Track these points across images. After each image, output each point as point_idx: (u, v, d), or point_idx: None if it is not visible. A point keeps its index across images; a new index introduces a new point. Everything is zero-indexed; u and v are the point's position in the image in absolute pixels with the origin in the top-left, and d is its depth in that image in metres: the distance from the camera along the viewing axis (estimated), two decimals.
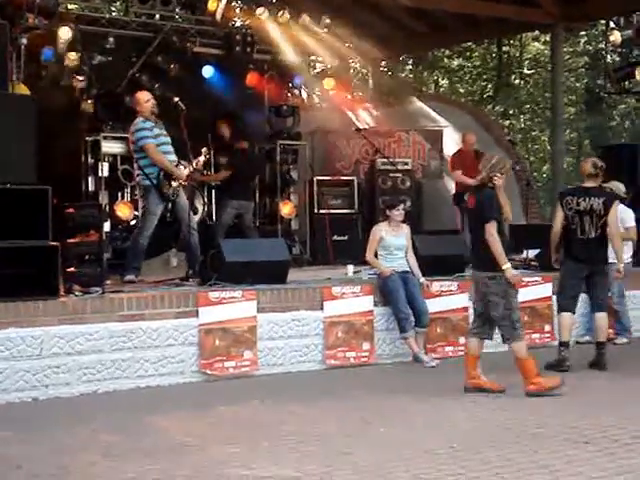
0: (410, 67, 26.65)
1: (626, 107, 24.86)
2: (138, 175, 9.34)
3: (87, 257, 8.05)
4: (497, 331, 7.37)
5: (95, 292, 7.81)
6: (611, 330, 9.32)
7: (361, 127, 14.33)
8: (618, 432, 5.86)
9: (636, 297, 10.38)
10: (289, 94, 14.14)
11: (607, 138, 23.36)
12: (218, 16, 12.59)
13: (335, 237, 12.76)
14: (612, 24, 15.14)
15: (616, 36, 13.73)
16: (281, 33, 13.09)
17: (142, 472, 5.16)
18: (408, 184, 13.22)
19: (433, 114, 15.69)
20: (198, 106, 11.79)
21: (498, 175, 7.18)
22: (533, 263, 10.44)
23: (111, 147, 11.35)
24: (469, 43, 23.18)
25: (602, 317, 8.36)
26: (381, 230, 8.96)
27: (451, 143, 14.22)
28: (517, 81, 27.10)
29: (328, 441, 5.79)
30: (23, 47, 10.60)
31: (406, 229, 9.07)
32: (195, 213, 10.89)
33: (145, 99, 9.30)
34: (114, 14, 13.64)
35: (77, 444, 5.81)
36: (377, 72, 19.16)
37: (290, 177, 13.07)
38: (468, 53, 25.97)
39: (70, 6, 12.10)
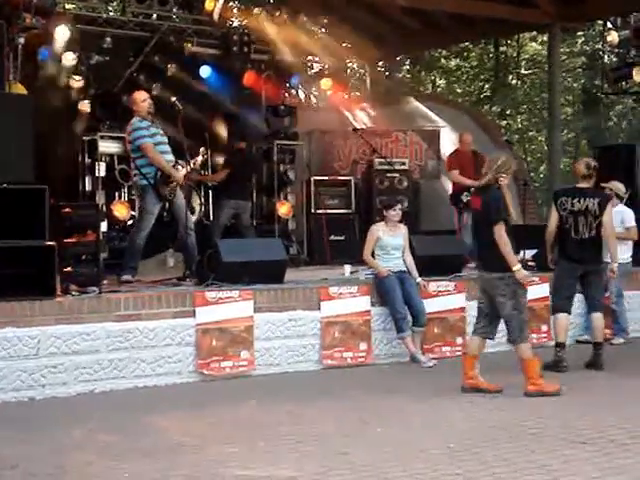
0: (407, 67, 26.65)
1: (623, 107, 24.88)
2: (135, 175, 9.33)
3: (84, 257, 8.05)
4: (501, 326, 7.35)
5: (92, 292, 7.80)
6: (608, 330, 9.32)
7: (358, 127, 14.34)
8: (616, 432, 5.86)
9: (635, 297, 10.37)
10: (286, 94, 14.16)
11: (604, 138, 23.36)
12: (215, 16, 12.59)
13: (332, 237, 12.77)
14: (609, 24, 15.16)
15: (613, 36, 13.73)
16: (278, 33, 13.09)
17: (139, 472, 5.16)
18: (405, 184, 13.23)
19: (430, 114, 15.70)
20: (195, 106, 11.79)
21: (504, 176, 7.18)
22: (530, 263, 10.44)
23: (108, 147, 11.35)
24: (466, 43, 23.20)
25: (598, 317, 8.36)
26: (378, 230, 8.96)
27: (448, 143, 14.23)
28: (514, 81, 27.12)
29: (325, 441, 5.79)
30: (20, 47, 10.60)
31: (403, 229, 9.07)
32: (192, 213, 10.89)
33: (142, 99, 9.29)
34: (111, 14, 13.65)
35: (74, 444, 5.80)
36: (374, 72, 19.16)
37: (287, 177, 13.08)
38: (465, 53, 25.99)
39: (67, 6, 12.08)
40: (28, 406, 7.01)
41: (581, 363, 8.29)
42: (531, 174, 23.71)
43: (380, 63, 21.10)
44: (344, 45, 14.75)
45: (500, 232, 7.01)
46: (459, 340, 9.16)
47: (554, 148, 15.69)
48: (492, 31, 17.53)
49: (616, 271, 8.50)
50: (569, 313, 8.31)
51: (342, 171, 14.20)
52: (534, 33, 23.25)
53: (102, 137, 11.29)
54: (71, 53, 11.27)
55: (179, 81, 12.52)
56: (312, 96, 18.40)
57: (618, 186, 9.93)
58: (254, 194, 12.60)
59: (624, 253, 9.73)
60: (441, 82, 27.55)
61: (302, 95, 16.64)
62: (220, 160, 12.50)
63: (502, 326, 9.38)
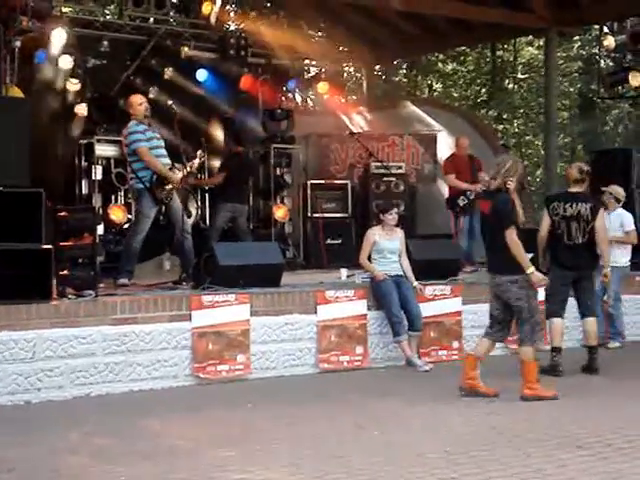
0: (404, 71, 26.68)
1: (619, 112, 24.89)
2: (131, 178, 9.32)
3: (80, 260, 8.04)
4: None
5: (88, 295, 7.79)
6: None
7: (355, 131, 14.34)
8: (612, 436, 5.86)
9: (632, 301, 10.37)
10: (283, 98, 14.18)
11: (600, 143, 23.37)
12: (212, 19, 12.61)
13: (329, 241, 12.77)
14: (606, 29, 15.17)
15: (610, 41, 13.75)
16: (275, 37, 13.11)
17: (135, 476, 5.15)
18: (402, 188, 13.25)
19: (427, 118, 15.70)
20: (192, 109, 11.81)
21: (512, 179, 7.19)
22: None
23: (105, 150, 11.35)
24: (463, 47, 23.21)
25: (592, 322, 8.37)
26: (375, 234, 8.96)
27: (445, 147, 14.23)
28: (511, 86, 27.14)
29: (322, 445, 5.79)
30: (17, 50, 10.60)
31: (400, 233, 9.07)
32: (189, 216, 10.90)
33: (138, 102, 9.29)
34: (108, 17, 13.62)
35: (70, 447, 5.79)
36: (371, 76, 19.17)
37: (284, 181, 13.09)
38: (462, 57, 25.99)
39: (64, 9, 12.10)
40: (24, 409, 7.00)
41: (577, 367, 8.30)
42: (527, 178, 23.70)
43: (377, 67, 21.10)
44: (341, 49, 14.76)
45: (512, 236, 7.04)
46: (455, 344, 9.17)
47: (550, 152, 15.69)
48: (489, 35, 17.53)
49: (609, 275, 8.52)
50: (562, 317, 8.32)
51: (339, 175, 14.19)
52: (530, 38, 23.26)
53: (99, 140, 11.30)
54: (68, 56, 11.27)
55: (176, 84, 12.53)
56: (309, 100, 18.43)
57: (618, 190, 9.94)
58: (250, 198, 12.60)
59: (623, 257, 9.75)
60: (438, 86, 27.56)
61: (299, 99, 16.68)
62: (216, 163, 12.50)
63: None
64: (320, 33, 13.76)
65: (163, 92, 11.93)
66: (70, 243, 8.05)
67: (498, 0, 14.39)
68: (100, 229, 10.41)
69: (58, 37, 11.02)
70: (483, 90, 27.00)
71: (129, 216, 10.83)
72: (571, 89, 26.24)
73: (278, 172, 13.04)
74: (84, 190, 11.36)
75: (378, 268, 8.82)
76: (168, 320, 7.84)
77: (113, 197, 11.38)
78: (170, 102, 9.55)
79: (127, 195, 11.06)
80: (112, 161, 11.35)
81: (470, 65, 26.66)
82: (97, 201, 11.17)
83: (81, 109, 11.64)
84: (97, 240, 8.72)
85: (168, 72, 12.64)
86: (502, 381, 7.40)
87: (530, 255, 10.08)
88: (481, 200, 7.56)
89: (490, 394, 7.15)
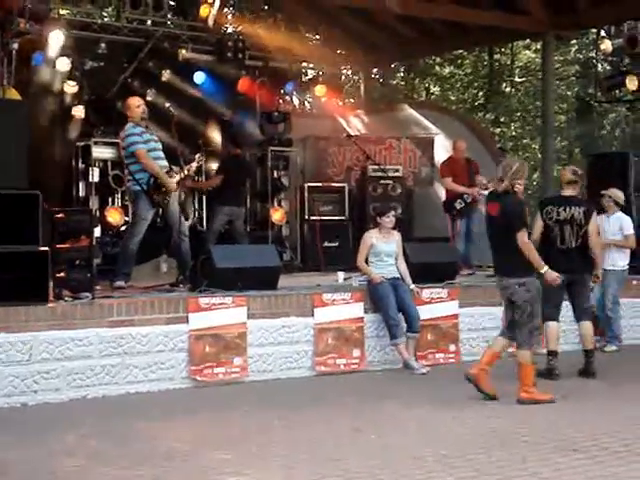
0: (402, 74, 26.70)
1: (616, 116, 24.94)
2: (128, 180, 9.32)
3: (77, 262, 8.03)
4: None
5: (85, 298, 7.78)
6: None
7: (352, 134, 14.35)
8: (608, 440, 5.86)
9: (629, 305, 10.37)
10: (281, 100, 14.18)
11: (597, 146, 23.41)
12: (210, 22, 12.62)
13: (326, 243, 12.76)
14: (603, 33, 15.20)
15: (607, 45, 13.77)
16: (273, 39, 13.12)
17: (132, 478, 5.15)
18: (399, 191, 13.25)
19: (424, 121, 15.71)
20: (189, 112, 11.81)
21: (520, 182, 7.20)
22: None
23: (102, 152, 11.35)
24: (460, 51, 23.23)
25: (587, 326, 8.38)
26: (372, 237, 8.96)
27: (442, 150, 14.24)
28: (508, 89, 27.18)
29: (318, 448, 5.79)
30: (14, 52, 10.60)
31: (397, 236, 9.07)
32: (186, 219, 10.89)
33: (136, 104, 9.28)
34: (106, 19, 13.62)
35: (66, 450, 5.78)
36: (369, 79, 19.19)
37: (281, 183, 13.09)
38: (459, 61, 26.03)
39: (62, 11, 12.09)
40: (20, 412, 6.99)
41: (574, 371, 8.30)
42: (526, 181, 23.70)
43: (374, 70, 21.12)
44: (338, 52, 14.77)
45: (523, 238, 7.07)
46: (452, 347, 9.17)
47: (547, 156, 15.70)
48: (486, 39, 17.55)
49: (600, 277, 8.56)
50: (558, 321, 8.32)
51: (336, 178, 14.20)
52: (528, 41, 23.29)
53: (96, 143, 11.30)
54: (65, 58, 11.26)
55: (173, 87, 12.54)
56: (306, 103, 18.44)
57: (617, 194, 9.95)
58: (248, 200, 12.60)
59: (621, 260, 9.77)
60: (435, 89, 27.59)
61: (296, 101, 16.68)
62: (214, 166, 12.50)
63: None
64: (317, 36, 13.76)
65: (160, 94, 11.93)
66: (67, 245, 8.04)
67: (495, 3, 14.41)
68: (97, 231, 10.41)
69: (55, 39, 11.02)
70: (480, 93, 27.04)
71: (126, 218, 10.83)
72: (568, 93, 26.28)
73: (275, 175, 13.04)
74: (81, 192, 11.36)
75: (375, 271, 8.82)
76: (165, 322, 7.84)
77: (110, 199, 11.38)
78: (167, 104, 9.56)
79: (124, 197, 11.06)
80: (109, 163, 11.34)
81: (467, 68, 26.69)
82: (94, 203, 11.17)
83: (78, 111, 11.64)
84: (94, 242, 8.73)
85: (165, 74, 12.64)
86: (499, 384, 7.40)
87: None
88: (487, 202, 7.52)
89: (490, 394, 7.14)
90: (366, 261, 8.91)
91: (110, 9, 15.39)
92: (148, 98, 11.53)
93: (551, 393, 7.17)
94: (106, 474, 5.23)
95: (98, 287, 8.42)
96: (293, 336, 8.40)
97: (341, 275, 10.06)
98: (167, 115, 9.46)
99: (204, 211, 12.33)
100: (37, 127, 9.44)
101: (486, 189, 11.89)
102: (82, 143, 11.38)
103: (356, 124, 15.65)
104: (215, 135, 13.09)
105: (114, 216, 11.09)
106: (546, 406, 6.96)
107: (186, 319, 7.91)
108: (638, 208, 11.49)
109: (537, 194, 20.90)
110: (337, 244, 12.79)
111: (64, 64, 11.32)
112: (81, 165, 11.36)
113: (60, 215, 8.13)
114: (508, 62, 26.89)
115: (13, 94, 10.34)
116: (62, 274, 7.87)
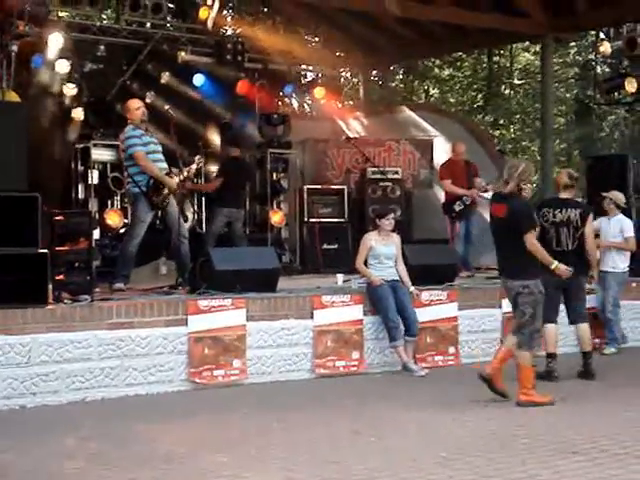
0: (401, 76, 26.72)
1: (615, 118, 24.95)
2: (127, 183, 9.32)
3: (76, 265, 8.03)
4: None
5: (84, 300, 7.78)
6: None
7: (352, 136, 14.36)
8: (607, 442, 5.86)
9: (629, 307, 10.37)
10: (280, 103, 14.20)
11: (596, 149, 23.45)
12: (209, 24, 12.63)
13: (325, 246, 12.76)
14: (602, 35, 15.22)
15: (606, 47, 13.80)
16: (272, 42, 13.13)
17: None
18: (398, 193, 13.25)
19: (424, 124, 15.72)
20: (188, 114, 11.81)
21: (526, 183, 7.20)
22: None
23: (101, 154, 11.35)
24: (459, 53, 23.25)
25: (583, 328, 8.39)
26: (371, 239, 8.96)
27: (441, 153, 14.25)
28: (507, 91, 27.20)
29: (317, 450, 5.78)
30: (13, 54, 10.60)
31: (396, 238, 9.07)
32: (185, 221, 10.88)
33: (136, 107, 9.28)
34: (105, 22, 13.64)
35: (65, 452, 5.78)
36: (368, 81, 19.20)
37: (280, 185, 13.09)
38: (458, 63, 26.05)
39: (61, 14, 12.10)
40: (19, 414, 6.98)
41: (573, 373, 8.30)
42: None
43: (373, 72, 21.13)
44: (337, 54, 14.78)
45: (532, 240, 7.09)
46: (451, 349, 9.17)
47: (547, 158, 15.71)
48: (485, 41, 17.57)
49: (595, 279, 8.63)
50: (556, 323, 8.31)
51: (335, 180, 14.20)
52: (527, 43, 23.28)
53: (95, 145, 11.30)
54: (64, 61, 11.27)
55: (172, 89, 12.54)
56: (305, 105, 18.44)
57: (618, 196, 9.96)
58: (247, 202, 12.60)
59: (622, 262, 9.78)
60: (434, 92, 27.61)
61: (295, 104, 16.68)
62: (213, 168, 12.50)
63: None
64: (317, 38, 13.76)
65: (160, 97, 11.93)
66: (66, 247, 8.03)
67: (494, 6, 14.42)
68: (96, 233, 10.40)
69: (55, 42, 11.03)
70: (479, 96, 27.05)
71: (125, 220, 10.83)
72: (567, 95, 26.30)
73: (274, 177, 13.04)
74: (80, 194, 11.36)
75: (374, 273, 8.82)
76: (164, 325, 7.83)
77: (109, 201, 11.37)
78: (167, 107, 9.55)
79: (123, 199, 11.06)
80: (108, 166, 11.35)
81: (466, 71, 26.71)
82: (93, 205, 11.17)
83: (77, 114, 11.64)
84: (93, 245, 8.72)
85: (165, 77, 12.65)
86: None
87: None
88: (492, 204, 7.49)
89: (501, 392, 7.10)
90: (365, 263, 8.91)
91: (109, 11, 15.41)
92: (147, 100, 11.53)
93: (550, 395, 7.17)
94: (105, 476, 5.22)
95: (97, 289, 8.42)
96: (292, 338, 8.40)
97: (340, 277, 10.06)
98: (166, 117, 9.46)
99: (203, 213, 12.33)
100: (36, 129, 9.44)
101: (485, 191, 11.93)
102: (81, 145, 11.39)
103: (355, 126, 15.66)
104: (214, 137, 13.09)
105: (113, 218, 11.09)
106: (545, 408, 6.95)
107: (185, 321, 7.91)
108: (637, 210, 11.50)
109: (536, 196, 20.93)
110: (336, 246, 12.79)
111: (63, 66, 11.33)
112: (80, 167, 11.36)
113: (59, 217, 8.12)
114: (507, 64, 26.92)
115: (12, 96, 10.35)
116: (61, 276, 7.86)
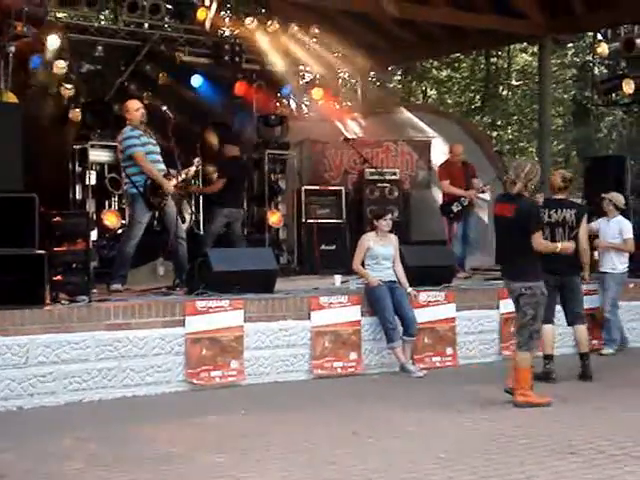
0: (399, 77, 26.74)
1: (613, 119, 24.97)
2: (125, 183, 9.32)
3: (74, 266, 8.03)
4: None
5: (81, 301, 7.78)
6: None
7: (349, 137, 14.35)
8: (605, 443, 5.86)
9: (627, 307, 10.37)
10: (277, 104, 14.18)
11: (594, 150, 23.47)
12: (207, 25, 12.61)
13: (323, 247, 12.76)
14: (599, 36, 15.23)
15: (603, 48, 13.80)
16: (270, 43, 13.12)
17: None
18: (396, 194, 13.25)
19: (421, 125, 15.72)
20: (186, 115, 11.80)
21: (533, 183, 7.21)
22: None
23: (99, 155, 11.32)
24: (457, 54, 23.26)
25: (581, 329, 8.39)
26: (369, 240, 8.96)
27: (439, 154, 14.25)
28: (505, 92, 27.23)
29: (315, 451, 5.78)
30: (11, 55, 10.59)
31: (394, 239, 9.07)
32: (183, 222, 10.87)
33: (135, 108, 9.28)
34: (103, 23, 13.64)
35: (62, 453, 5.77)
36: (366, 82, 19.19)
37: (278, 186, 13.07)
38: (456, 64, 26.07)
39: (59, 14, 12.08)
40: (17, 415, 6.98)
41: (571, 374, 8.29)
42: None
43: (371, 73, 21.13)
44: (335, 55, 14.77)
45: (539, 240, 7.12)
46: (449, 350, 9.17)
47: (544, 159, 15.69)
48: (483, 42, 17.58)
49: (587, 280, 8.65)
50: (552, 323, 8.31)
51: (333, 181, 14.20)
52: (524, 44, 23.33)
53: (93, 146, 11.26)
54: (62, 61, 11.25)
55: (170, 90, 12.52)
56: (303, 106, 18.43)
57: (617, 197, 9.97)
58: (245, 203, 12.59)
59: (621, 264, 9.79)
60: (432, 93, 27.64)
61: (293, 105, 16.66)
62: (211, 169, 12.49)
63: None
64: (315, 39, 13.75)
65: (158, 98, 11.92)
66: (63, 248, 8.04)
67: (492, 7, 14.43)
68: (94, 234, 10.38)
69: (53, 42, 11.01)
70: (477, 97, 27.08)
71: (123, 221, 10.81)
72: (565, 96, 26.33)
73: (272, 178, 13.02)
74: (78, 195, 11.33)
75: (372, 274, 8.81)
76: (162, 326, 7.83)
77: (107, 202, 11.35)
78: (165, 108, 9.54)
79: (121, 200, 11.04)
80: (106, 166, 11.31)
81: (464, 72, 26.74)
82: (91, 206, 11.14)
83: (75, 114, 11.62)
84: (90, 245, 8.72)
85: (163, 78, 12.63)
86: (496, 387, 7.40)
87: None
88: (498, 203, 7.47)
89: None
90: (363, 264, 8.90)
91: (107, 12, 15.40)
92: (145, 101, 11.51)
93: (548, 396, 7.17)
94: (104, 477, 5.22)
95: (95, 290, 8.42)
96: (290, 339, 8.40)
97: (338, 278, 10.06)
98: (164, 118, 9.45)
99: (201, 214, 12.32)
100: (34, 130, 9.42)
101: (482, 192, 11.95)
102: (79, 146, 11.35)
103: (353, 127, 15.64)
104: (213, 138, 13.07)
105: (111, 219, 11.07)
106: (542, 409, 6.96)
107: (183, 322, 7.90)
108: (635, 211, 11.50)
109: (533, 197, 20.91)
110: (334, 247, 12.79)
111: (61, 67, 11.31)
112: (78, 168, 11.33)
113: (57, 218, 8.12)
114: (505, 65, 26.95)
115: (10, 97, 10.33)
116: (59, 277, 7.86)
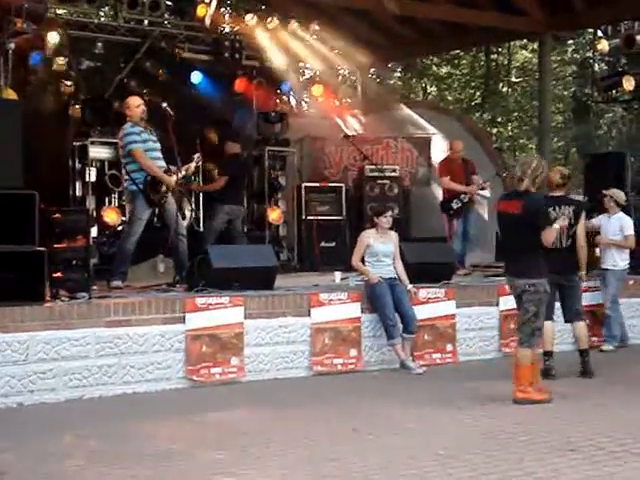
0: (399, 74, 26.71)
1: (613, 116, 24.99)
2: (125, 180, 9.31)
3: (74, 262, 8.02)
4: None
5: (81, 297, 7.78)
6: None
7: (349, 134, 14.35)
8: (604, 440, 5.86)
9: (627, 304, 10.37)
10: (278, 100, 14.16)
11: (594, 147, 23.46)
12: (207, 22, 12.59)
13: (323, 243, 12.76)
14: (600, 33, 15.21)
15: (603, 45, 13.79)
16: (270, 40, 13.11)
17: (128, 478, 5.14)
18: (396, 191, 13.25)
19: (421, 121, 15.72)
20: (186, 112, 11.78)
21: (539, 179, 7.21)
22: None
23: (99, 152, 11.33)
24: (457, 51, 23.25)
25: (580, 326, 8.38)
26: (369, 237, 8.96)
27: (439, 150, 14.25)
28: (505, 89, 27.21)
29: (315, 447, 5.78)
30: (11, 52, 10.58)
31: (394, 236, 9.06)
32: (183, 218, 10.88)
33: (136, 104, 9.28)
34: (103, 19, 13.62)
35: (63, 450, 5.78)
36: (366, 79, 19.18)
37: (278, 183, 13.07)
38: (456, 61, 26.06)
39: (59, 11, 12.09)
40: (17, 412, 6.98)
41: (570, 370, 8.30)
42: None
43: (371, 70, 21.11)
44: (335, 52, 14.76)
45: (552, 234, 7.14)
46: (449, 347, 9.17)
47: (544, 156, 15.55)
48: (483, 39, 17.57)
49: (584, 278, 8.61)
50: (552, 320, 8.31)
51: (333, 178, 14.20)
52: (525, 41, 23.31)
53: (93, 142, 11.27)
54: (62, 58, 11.25)
55: (170, 87, 12.51)
56: (303, 103, 18.41)
57: (618, 194, 9.96)
58: (245, 200, 12.59)
59: (621, 260, 9.80)
60: (432, 89, 27.62)
61: (293, 102, 16.65)
62: (211, 167, 12.49)
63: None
64: (315, 36, 13.74)
65: (157, 94, 11.91)
66: (63, 245, 8.03)
67: (492, 4, 14.42)
68: (94, 231, 10.39)
69: (52, 39, 11.00)
70: (477, 93, 27.07)
71: (123, 218, 10.81)
72: (565, 93, 26.32)
73: (272, 175, 13.02)
74: (78, 192, 11.33)
75: (372, 271, 8.81)
76: (162, 322, 7.83)
77: (107, 199, 11.36)
78: (165, 104, 9.54)
79: (121, 197, 11.04)
80: (106, 163, 11.32)
81: (464, 68, 26.72)
82: (91, 203, 11.14)
83: (75, 111, 11.62)
84: (91, 242, 8.72)
85: (162, 74, 12.62)
86: (495, 385, 7.41)
87: None
88: (504, 201, 7.45)
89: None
90: (362, 261, 8.90)
91: (107, 9, 15.38)
92: (145, 98, 11.51)
93: (548, 393, 7.17)
94: (105, 474, 5.22)
95: (95, 287, 8.41)
96: (290, 336, 8.40)
97: (338, 275, 10.06)
98: (164, 115, 9.45)
99: (201, 211, 12.33)
100: (34, 127, 9.41)
101: (482, 189, 11.95)
102: (79, 143, 11.36)
103: (353, 124, 15.64)
104: (213, 135, 13.06)
105: (111, 216, 11.07)
106: (542, 406, 6.96)
107: (183, 319, 7.91)
108: (636, 208, 11.50)
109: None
110: (334, 244, 12.79)
111: (61, 64, 11.30)
112: (78, 165, 11.33)
113: (57, 215, 8.12)
114: (505, 62, 26.93)
115: (10, 94, 10.32)
116: (59, 274, 7.86)
